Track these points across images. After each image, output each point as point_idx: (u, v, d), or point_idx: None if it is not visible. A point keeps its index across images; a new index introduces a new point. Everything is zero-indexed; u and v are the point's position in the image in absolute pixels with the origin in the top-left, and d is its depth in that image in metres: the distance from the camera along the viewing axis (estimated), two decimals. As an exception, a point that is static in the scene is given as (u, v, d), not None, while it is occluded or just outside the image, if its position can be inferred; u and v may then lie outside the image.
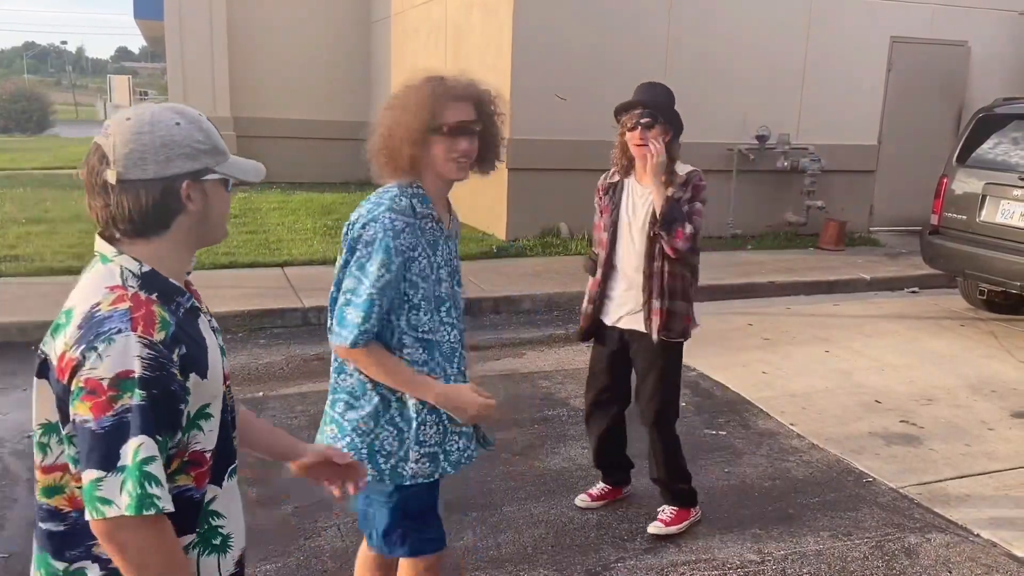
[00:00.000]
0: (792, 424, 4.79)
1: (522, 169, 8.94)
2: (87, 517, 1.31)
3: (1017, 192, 6.39)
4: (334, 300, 2.16)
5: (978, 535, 3.63)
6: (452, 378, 2.28)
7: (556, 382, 5.39)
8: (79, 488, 1.33)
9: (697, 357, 5.84)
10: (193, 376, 1.40)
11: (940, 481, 4.13)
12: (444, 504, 3.74)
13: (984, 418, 4.96)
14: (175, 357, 1.36)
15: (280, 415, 4.72)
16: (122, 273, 1.40)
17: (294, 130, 14.13)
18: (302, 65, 14.12)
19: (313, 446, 1.91)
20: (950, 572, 3.34)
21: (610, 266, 3.43)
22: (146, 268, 1.41)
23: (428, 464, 2.26)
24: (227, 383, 1.55)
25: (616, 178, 3.45)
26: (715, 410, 4.99)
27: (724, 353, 5.99)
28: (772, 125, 9.78)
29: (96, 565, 1.40)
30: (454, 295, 2.29)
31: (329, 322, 2.18)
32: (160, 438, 1.32)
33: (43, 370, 1.40)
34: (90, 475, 1.28)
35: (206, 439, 1.45)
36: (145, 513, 1.28)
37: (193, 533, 1.47)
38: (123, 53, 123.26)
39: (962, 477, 4.18)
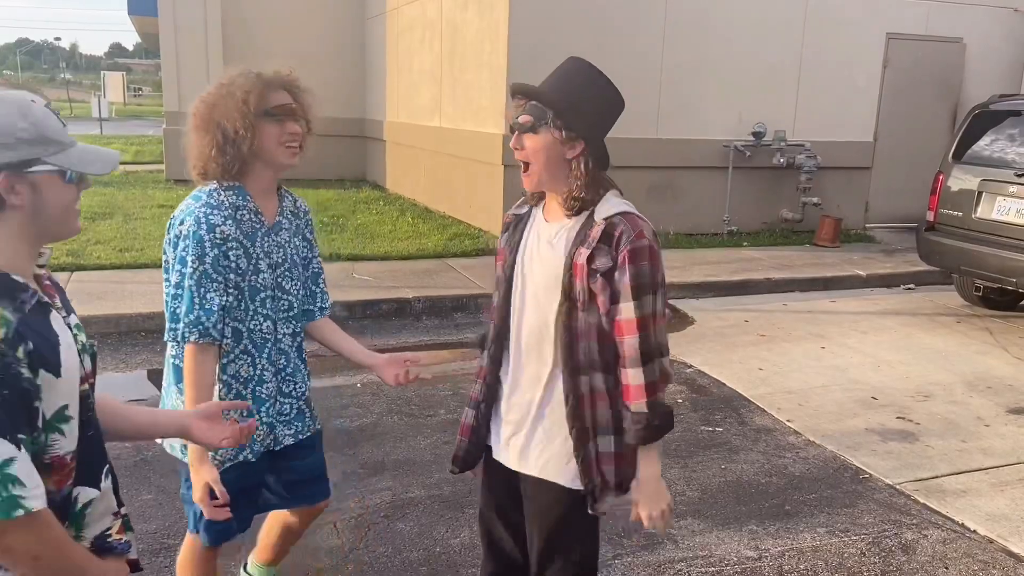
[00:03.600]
0: (789, 420, 4.79)
1: (517, 165, 8.92)
2: None
3: (1013, 188, 6.40)
4: (167, 301, 2.23)
5: (975, 531, 3.64)
6: (261, 369, 2.33)
7: (553, 379, 5.38)
8: None
9: (694, 353, 5.84)
10: (44, 374, 1.33)
11: (936, 477, 4.13)
12: (441, 501, 3.76)
13: (980, 414, 4.97)
14: (20, 354, 1.28)
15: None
16: None
17: (289, 127, 14.12)
18: (297, 62, 13.59)
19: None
20: (947, 568, 3.35)
21: (501, 348, 2.14)
22: None
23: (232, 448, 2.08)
24: (88, 382, 1.48)
25: (525, 208, 2.22)
26: (711, 407, 4.99)
27: (720, 350, 5.99)
28: (768, 122, 9.78)
29: None
30: (277, 287, 2.34)
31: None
32: (24, 437, 1.28)
33: None
34: None
35: (66, 442, 1.39)
36: (15, 515, 1.25)
37: None
38: (117, 49, 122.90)
39: (958, 473, 4.18)
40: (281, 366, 2.39)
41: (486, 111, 9.37)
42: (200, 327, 2.15)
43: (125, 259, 7.73)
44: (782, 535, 3.57)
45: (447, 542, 3.43)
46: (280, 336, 2.37)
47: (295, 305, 2.40)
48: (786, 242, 9.79)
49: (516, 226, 2.18)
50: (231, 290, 2.22)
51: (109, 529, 1.53)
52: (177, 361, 2.30)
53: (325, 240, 8.87)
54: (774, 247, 9.53)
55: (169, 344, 2.30)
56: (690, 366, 5.63)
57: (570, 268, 1.98)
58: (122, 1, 18.13)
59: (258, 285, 2.28)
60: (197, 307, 2.15)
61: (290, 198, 2.46)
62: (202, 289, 2.15)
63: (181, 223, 2.20)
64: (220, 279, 2.18)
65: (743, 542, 3.50)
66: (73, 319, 1.48)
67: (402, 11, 12.52)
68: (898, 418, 4.88)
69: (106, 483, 1.51)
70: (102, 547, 1.52)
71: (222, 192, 2.23)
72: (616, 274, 1.94)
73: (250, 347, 2.30)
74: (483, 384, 2.19)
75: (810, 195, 10.03)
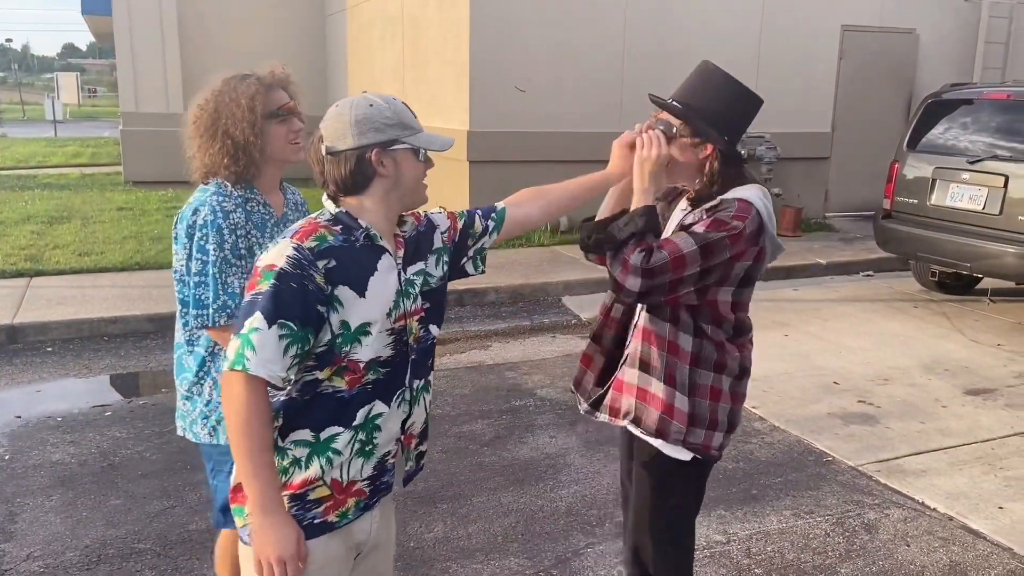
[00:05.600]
0: (754, 407, 4.87)
1: (482, 162, 8.95)
2: None
3: (965, 176, 6.56)
4: (182, 289, 2.28)
5: (935, 509, 3.74)
6: None
7: (522, 373, 5.42)
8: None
9: (660, 344, 5.91)
10: (345, 289, 1.70)
11: (897, 458, 4.24)
12: (414, 497, 3.77)
13: (938, 396, 5.10)
14: (320, 265, 1.67)
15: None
16: (320, 212, 1.79)
17: (250, 126, 13.95)
18: (257, 60, 13.62)
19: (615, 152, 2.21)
20: (908, 546, 3.44)
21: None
22: (341, 210, 1.77)
23: None
24: (406, 320, 1.81)
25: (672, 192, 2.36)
26: (679, 396, 5.06)
27: (686, 340, 6.06)
28: (728, 114, 9.89)
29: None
30: None
31: (184, 311, 2.29)
32: (286, 322, 1.63)
33: None
34: (234, 335, 1.66)
35: (363, 352, 1.74)
36: (236, 369, 1.63)
37: (343, 428, 1.76)
38: (70, 50, 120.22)
39: (918, 454, 4.30)
40: None
41: (451, 108, 9.37)
42: (228, 310, 2.22)
43: (85, 263, 7.61)
44: (749, 519, 3.64)
45: (421, 537, 3.45)
46: None
47: None
48: (748, 232, 9.90)
49: (669, 204, 2.33)
50: (246, 275, 2.28)
51: (388, 453, 1.87)
52: (197, 346, 2.35)
53: (289, 240, 8.82)
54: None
55: (184, 330, 2.35)
56: (657, 357, 5.69)
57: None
58: (75, 0, 17.76)
59: None
60: (222, 293, 2.23)
61: (291, 192, 2.57)
62: (223, 275, 2.23)
63: (195, 212, 2.25)
64: (239, 263, 2.25)
65: (712, 527, 3.56)
66: (413, 269, 1.85)
67: (362, 7, 12.45)
68: (859, 402, 4.98)
69: (396, 407, 1.83)
70: (381, 470, 1.86)
71: (230, 185, 2.30)
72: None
73: None
74: None
75: (771, 186, 10.17)
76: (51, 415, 4.65)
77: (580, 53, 9.27)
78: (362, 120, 1.72)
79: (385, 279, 1.77)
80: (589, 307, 6.90)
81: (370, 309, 1.73)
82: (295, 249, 1.67)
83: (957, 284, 7.53)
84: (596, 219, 2.21)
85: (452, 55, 9.22)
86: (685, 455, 2.20)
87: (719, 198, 2.12)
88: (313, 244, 1.68)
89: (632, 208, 2.10)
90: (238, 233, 2.25)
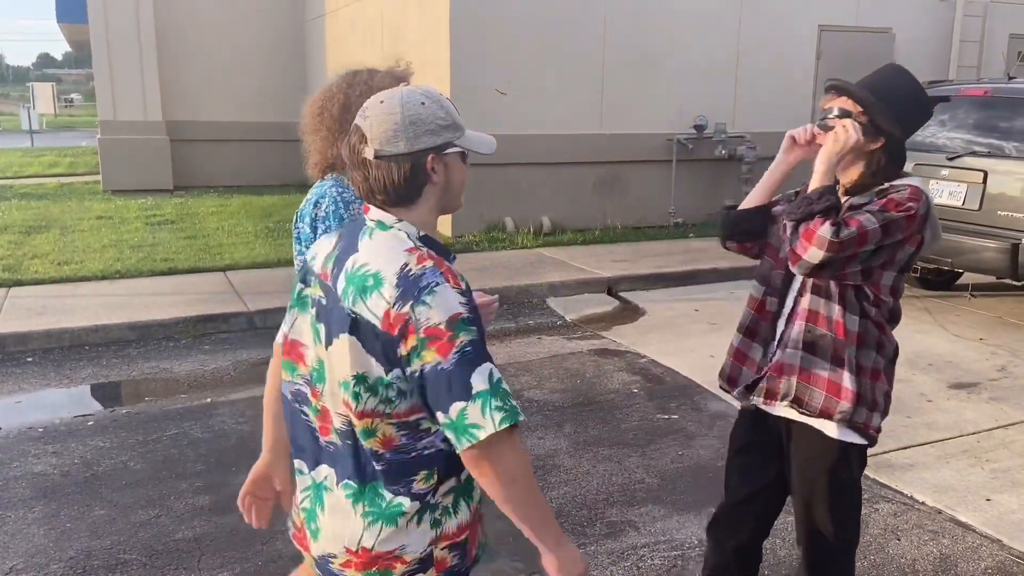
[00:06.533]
0: (741, 405, 4.88)
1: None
2: (458, 449, 1.49)
3: (945, 172, 6.61)
4: None
5: (923, 503, 3.76)
6: None
7: (509, 375, 5.40)
8: (389, 427, 1.55)
9: (646, 344, 5.91)
10: None
11: (884, 453, 4.25)
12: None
13: (923, 391, 5.13)
14: (473, 304, 1.56)
15: (229, 420, 4.63)
16: (409, 237, 1.59)
17: (229, 133, 13.85)
18: (235, 66, 13.85)
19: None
20: (899, 540, 3.45)
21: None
22: (421, 232, 1.61)
23: None
24: None
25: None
26: (666, 395, 5.06)
27: (672, 339, 6.08)
28: (709, 114, 9.94)
29: (409, 499, 1.59)
30: None
31: None
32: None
33: (354, 328, 1.54)
34: (456, 408, 1.47)
35: None
36: (513, 423, 1.47)
37: (454, 478, 1.64)
38: (46, 60, 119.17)
39: (905, 448, 4.32)
40: None
41: (430, 111, 9.34)
42: None
43: (64, 272, 7.51)
44: (740, 516, 3.63)
45: (410, 541, 3.41)
46: None
47: None
48: (731, 232, 9.94)
49: None
50: None
51: None
52: None
53: (273, 246, 8.76)
54: (719, 237, 9.67)
55: None
56: (643, 356, 5.70)
57: None
58: (50, 9, 17.58)
59: None
60: None
61: None
62: None
63: (316, 205, 2.20)
64: None
65: (702, 525, 3.53)
66: None
67: (341, 12, 12.41)
68: (846, 398, 5.00)
69: None
70: None
71: (346, 179, 2.24)
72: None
73: None
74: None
75: (752, 185, 10.17)
76: (32, 426, 4.58)
77: (561, 55, 9.28)
78: (417, 121, 1.56)
79: None
80: (574, 308, 6.90)
81: None
82: (462, 293, 1.53)
83: (939, 279, 7.59)
84: (740, 207, 2.35)
85: (432, 58, 9.20)
86: (849, 436, 2.23)
87: (887, 183, 2.17)
88: (464, 284, 1.56)
89: (812, 188, 2.14)
90: None
